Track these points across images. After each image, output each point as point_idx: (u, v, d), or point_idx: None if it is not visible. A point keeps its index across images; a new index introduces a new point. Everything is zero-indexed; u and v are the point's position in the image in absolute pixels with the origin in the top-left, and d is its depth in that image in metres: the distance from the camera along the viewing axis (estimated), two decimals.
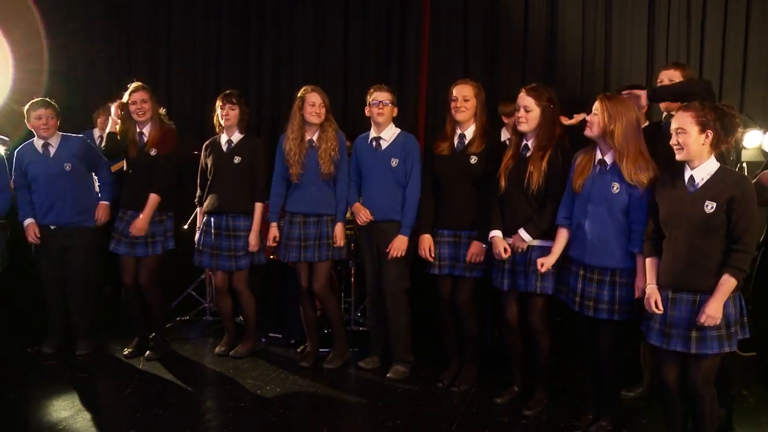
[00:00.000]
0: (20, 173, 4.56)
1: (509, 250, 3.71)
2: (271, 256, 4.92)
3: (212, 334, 5.17)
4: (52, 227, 4.56)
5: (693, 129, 2.95)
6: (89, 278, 4.69)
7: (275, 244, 4.46)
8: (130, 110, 4.48)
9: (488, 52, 5.47)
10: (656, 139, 3.52)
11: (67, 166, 4.54)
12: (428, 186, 4.16)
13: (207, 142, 4.66)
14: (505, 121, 4.76)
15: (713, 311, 2.88)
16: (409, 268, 4.29)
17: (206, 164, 4.59)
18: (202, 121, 6.12)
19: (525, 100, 3.69)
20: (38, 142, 4.56)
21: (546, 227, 3.64)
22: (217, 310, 4.79)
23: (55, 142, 4.57)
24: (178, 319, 5.44)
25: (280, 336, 4.93)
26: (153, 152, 4.50)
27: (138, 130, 4.53)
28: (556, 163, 3.62)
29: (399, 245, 4.16)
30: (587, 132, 3.39)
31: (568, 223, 3.53)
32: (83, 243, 4.61)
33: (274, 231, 4.45)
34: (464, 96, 3.99)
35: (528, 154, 3.70)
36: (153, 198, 4.47)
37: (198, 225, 4.68)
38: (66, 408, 3.81)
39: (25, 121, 4.53)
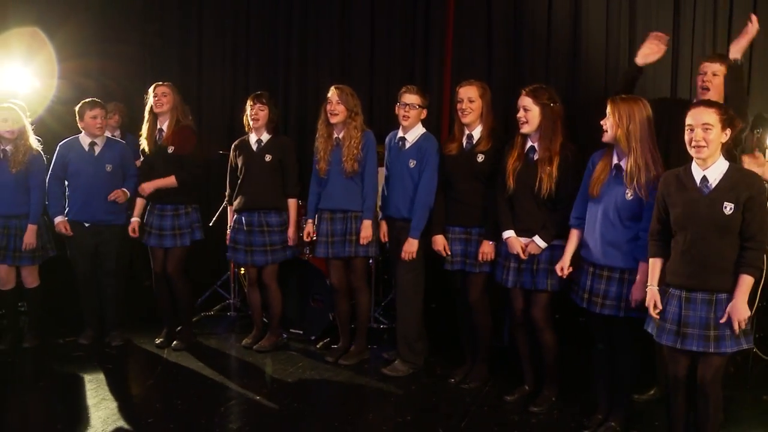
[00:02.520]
0: (60, 165, 4.71)
1: (528, 251, 3.74)
2: (307, 255, 5.04)
3: (237, 329, 5.30)
4: (86, 225, 4.74)
5: (717, 126, 2.93)
6: (120, 273, 4.89)
7: (310, 240, 4.56)
8: (152, 103, 4.65)
9: (512, 53, 5.47)
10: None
11: (109, 168, 4.74)
12: (439, 187, 4.20)
13: (236, 143, 4.79)
14: None
15: (740, 312, 2.87)
16: (422, 269, 4.33)
17: (236, 164, 4.72)
18: (231, 121, 6.27)
19: (524, 100, 3.74)
20: (85, 140, 4.74)
21: (558, 231, 3.67)
22: (249, 304, 4.93)
23: (101, 142, 4.76)
24: (203, 314, 5.58)
25: (301, 332, 5.03)
26: (170, 149, 4.65)
27: (158, 126, 4.70)
28: (566, 168, 3.65)
29: (408, 248, 4.21)
30: (604, 137, 3.40)
31: (580, 224, 3.54)
32: (114, 240, 4.81)
33: (309, 228, 4.57)
34: (469, 97, 4.03)
35: (536, 158, 3.73)
36: (170, 179, 4.64)
37: (229, 223, 4.81)
38: (91, 396, 3.97)
39: (77, 119, 4.72)
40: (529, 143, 3.77)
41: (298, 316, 5.06)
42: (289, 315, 5.01)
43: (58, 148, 4.77)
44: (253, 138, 4.68)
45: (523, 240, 3.77)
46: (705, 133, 2.93)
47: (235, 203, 4.72)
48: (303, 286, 5.03)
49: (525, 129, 3.73)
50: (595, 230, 3.42)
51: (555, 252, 3.69)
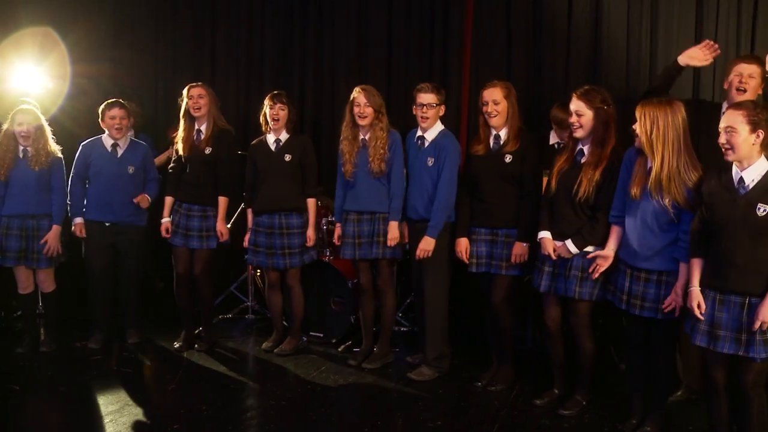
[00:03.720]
0: (83, 166, 4.68)
1: (557, 251, 3.68)
2: (327, 257, 4.98)
3: (255, 333, 5.24)
4: (106, 224, 4.70)
5: (744, 128, 2.89)
6: (139, 273, 4.87)
7: (339, 243, 4.51)
8: (189, 105, 4.59)
9: (531, 52, 5.42)
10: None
11: (130, 169, 4.70)
12: (464, 188, 4.15)
13: (254, 143, 4.73)
14: (554, 129, 4.76)
15: (765, 314, 2.83)
16: (448, 269, 4.28)
17: (254, 164, 4.66)
18: (245, 121, 6.22)
19: (576, 104, 3.62)
20: (108, 141, 4.71)
21: (594, 241, 3.58)
22: (269, 307, 4.87)
23: (123, 143, 4.73)
24: (220, 316, 5.52)
25: (322, 335, 4.96)
26: (208, 151, 4.60)
27: (196, 127, 4.64)
28: (611, 174, 3.54)
29: (424, 247, 4.14)
30: (637, 143, 3.33)
31: (620, 222, 3.48)
32: (134, 240, 4.78)
33: (338, 230, 4.51)
34: (494, 99, 3.98)
35: (582, 160, 3.65)
36: (222, 201, 4.66)
37: (249, 225, 4.75)
38: (112, 402, 3.90)
39: (99, 119, 4.68)
40: (579, 146, 3.70)
41: (317, 318, 5.00)
42: (309, 317, 4.94)
43: (80, 147, 4.74)
44: (271, 138, 4.62)
45: (558, 244, 3.70)
46: (729, 135, 2.91)
47: (255, 204, 4.66)
48: (323, 288, 4.97)
49: (579, 134, 3.63)
50: (633, 233, 3.38)
51: (587, 261, 3.60)
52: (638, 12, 5.13)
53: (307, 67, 6.03)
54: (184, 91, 4.64)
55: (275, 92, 4.62)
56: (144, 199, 4.73)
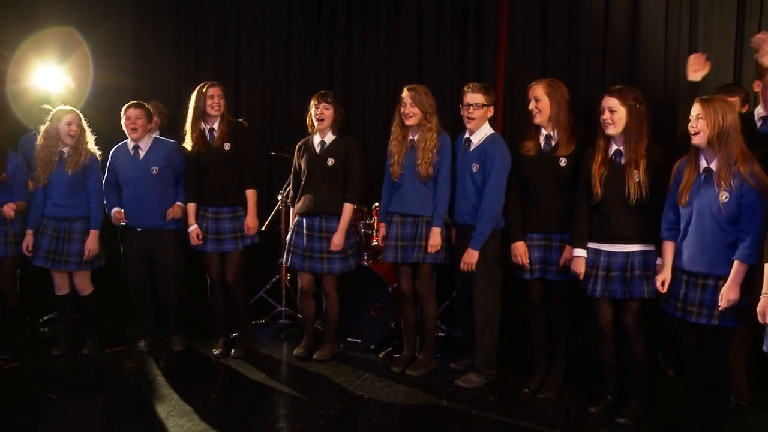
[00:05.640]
0: (112, 173, 4.62)
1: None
2: (366, 261, 4.89)
3: (287, 338, 5.13)
4: (139, 229, 4.60)
5: None
6: (176, 277, 4.75)
7: (383, 245, 4.42)
8: (207, 104, 4.46)
9: (567, 51, 5.33)
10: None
11: (154, 170, 4.57)
12: (515, 192, 4.05)
13: (300, 143, 4.63)
14: None
15: None
16: (498, 275, 4.19)
17: (299, 165, 4.56)
18: (271, 122, 6.11)
19: (609, 101, 3.59)
20: (130, 144, 4.61)
21: (653, 235, 3.53)
22: (300, 313, 4.74)
23: (145, 144, 4.60)
24: (252, 322, 5.39)
25: (359, 341, 4.86)
26: (227, 147, 4.49)
27: (208, 126, 4.53)
28: (656, 172, 3.52)
29: (467, 260, 4.06)
30: (695, 141, 3.26)
31: (673, 236, 3.41)
32: (169, 244, 4.67)
33: (383, 231, 4.42)
34: (535, 97, 3.91)
35: (622, 162, 3.60)
36: (251, 193, 4.55)
37: (291, 225, 4.65)
38: (161, 411, 3.79)
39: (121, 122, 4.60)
40: (614, 147, 3.63)
41: (352, 323, 4.88)
42: (344, 323, 4.81)
43: (111, 153, 4.67)
44: (316, 139, 4.52)
45: (613, 247, 3.62)
46: None
47: (297, 206, 4.56)
48: (361, 292, 4.86)
49: (611, 131, 3.59)
50: (689, 238, 3.29)
51: (649, 258, 3.56)
52: (677, 10, 5.04)
53: (335, 68, 5.91)
54: (201, 91, 4.49)
55: (321, 92, 4.53)
56: (176, 211, 4.59)
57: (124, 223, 4.61)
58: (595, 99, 5.01)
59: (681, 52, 5.03)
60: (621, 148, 3.62)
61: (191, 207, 4.59)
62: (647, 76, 5.09)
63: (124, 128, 4.57)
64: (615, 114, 3.57)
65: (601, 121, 3.64)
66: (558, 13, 5.32)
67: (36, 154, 4.48)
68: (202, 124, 4.53)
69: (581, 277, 3.69)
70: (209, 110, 4.48)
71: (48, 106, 4.81)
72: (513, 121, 5.39)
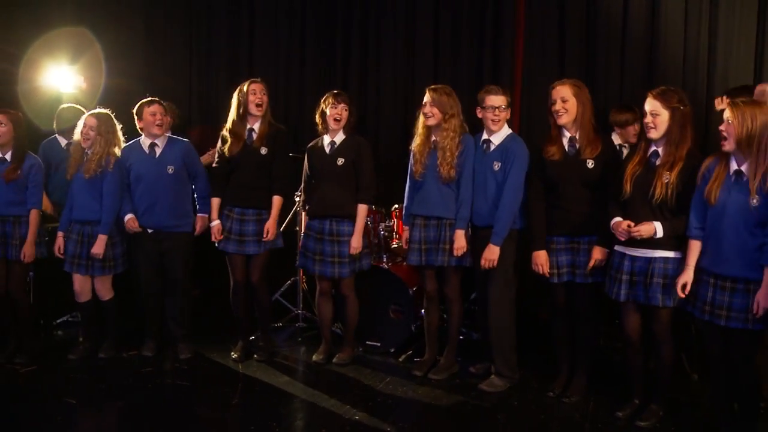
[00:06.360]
0: (125, 173, 4.52)
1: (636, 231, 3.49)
2: (386, 263, 4.84)
3: (304, 341, 5.07)
4: (149, 231, 4.52)
5: None
6: (186, 283, 4.66)
7: (407, 247, 4.36)
8: (249, 101, 4.39)
9: (585, 52, 5.30)
10: None
11: (170, 169, 4.50)
12: (539, 196, 3.99)
13: (310, 144, 4.57)
14: (617, 131, 4.69)
15: None
16: (514, 277, 4.15)
17: (310, 167, 4.51)
18: (285, 122, 6.03)
19: (651, 104, 3.51)
20: (145, 142, 4.53)
21: (679, 233, 3.46)
22: (318, 316, 4.67)
23: (161, 143, 4.54)
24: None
25: (378, 344, 4.80)
26: (264, 151, 4.42)
27: (249, 126, 4.45)
28: (690, 177, 3.42)
29: (488, 256, 4.01)
30: (725, 146, 3.22)
31: (700, 235, 3.35)
32: (180, 248, 4.58)
33: (406, 235, 4.38)
34: (562, 97, 3.85)
35: (657, 162, 3.53)
36: (277, 200, 4.45)
37: (303, 228, 4.58)
38: (178, 418, 3.75)
39: (136, 121, 4.50)
40: (653, 147, 3.57)
41: (371, 326, 4.83)
42: (362, 326, 4.74)
43: (120, 153, 4.54)
44: (326, 140, 4.45)
45: (636, 252, 3.56)
46: None
47: (308, 208, 4.51)
48: (380, 295, 4.79)
49: (652, 135, 3.52)
50: (718, 240, 3.25)
51: (669, 266, 3.49)
52: (697, 9, 5.01)
53: (350, 67, 5.87)
54: (244, 87, 4.41)
55: (336, 91, 4.46)
56: (200, 225, 4.58)
57: (138, 230, 4.52)
58: (612, 101, 5.03)
59: (700, 51, 5.02)
60: (659, 149, 3.55)
61: (215, 201, 4.54)
62: (666, 76, 5.05)
63: (143, 125, 4.48)
64: (657, 118, 3.49)
65: (643, 125, 3.58)
66: (576, 13, 5.28)
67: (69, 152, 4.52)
68: (248, 122, 4.43)
69: (630, 231, 3.49)
70: (251, 107, 4.39)
71: (77, 106, 4.78)
72: (530, 124, 5.36)
